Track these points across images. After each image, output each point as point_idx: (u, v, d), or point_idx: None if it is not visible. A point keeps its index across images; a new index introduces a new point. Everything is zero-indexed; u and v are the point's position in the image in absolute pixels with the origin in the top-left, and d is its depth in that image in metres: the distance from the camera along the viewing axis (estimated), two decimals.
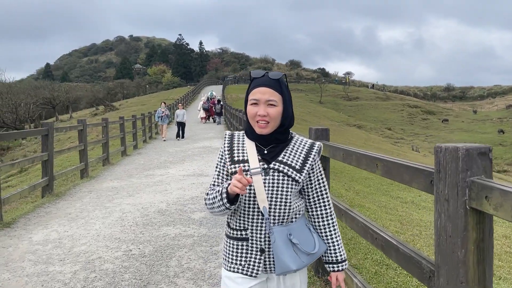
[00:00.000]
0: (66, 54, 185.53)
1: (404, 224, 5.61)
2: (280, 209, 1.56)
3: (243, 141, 1.65)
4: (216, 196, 1.55)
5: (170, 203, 6.26)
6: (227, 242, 1.67)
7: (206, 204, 1.63)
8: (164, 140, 16.44)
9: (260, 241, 1.58)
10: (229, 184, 1.50)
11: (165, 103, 18.18)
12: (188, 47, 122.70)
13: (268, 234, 1.55)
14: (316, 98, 71.51)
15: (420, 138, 53.58)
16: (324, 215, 1.67)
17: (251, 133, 1.62)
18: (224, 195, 1.50)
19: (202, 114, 25.14)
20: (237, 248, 1.62)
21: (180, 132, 16.70)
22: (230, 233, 1.66)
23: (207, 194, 1.63)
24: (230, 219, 1.67)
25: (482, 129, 58.65)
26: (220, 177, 1.66)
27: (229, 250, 1.65)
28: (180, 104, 19.54)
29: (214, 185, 1.66)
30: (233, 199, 1.51)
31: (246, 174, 1.55)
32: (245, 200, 1.57)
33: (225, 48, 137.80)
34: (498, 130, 53.71)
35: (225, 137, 1.72)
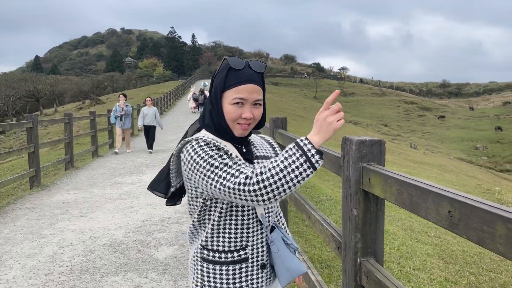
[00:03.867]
0: (56, 47, 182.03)
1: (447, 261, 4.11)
2: (272, 211, 1.44)
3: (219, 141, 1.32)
4: (291, 155, 1.12)
5: (131, 229, 4.70)
6: (212, 272, 1.35)
7: (260, 185, 1.11)
8: (128, 152, 11.55)
9: (262, 256, 1.39)
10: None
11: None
12: (181, 40, 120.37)
13: (269, 244, 1.39)
14: (311, 93, 70.20)
15: (417, 135, 52.48)
16: (276, 207, 1.52)
17: (226, 134, 1.34)
18: (311, 146, 1.12)
19: (192, 104, 25.77)
20: (233, 275, 1.34)
21: (149, 140, 11.37)
22: (219, 258, 1.34)
23: (249, 175, 1.14)
24: (213, 239, 1.33)
25: (478, 126, 57.67)
26: (234, 158, 1.24)
27: (218, 282, 1.34)
28: (148, 99, 11.87)
29: (237, 164, 1.20)
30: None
31: None
32: (242, 211, 1.31)
33: (218, 41, 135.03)
34: (496, 127, 52.67)
35: None
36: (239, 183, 1.14)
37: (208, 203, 1.31)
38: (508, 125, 53.84)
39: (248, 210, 1.32)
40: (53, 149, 14.10)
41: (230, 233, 1.32)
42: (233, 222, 1.32)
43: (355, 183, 1.64)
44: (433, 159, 27.46)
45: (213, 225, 1.33)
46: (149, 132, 11.30)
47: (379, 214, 1.66)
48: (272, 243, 1.38)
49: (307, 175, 1.12)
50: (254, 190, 1.12)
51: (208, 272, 1.35)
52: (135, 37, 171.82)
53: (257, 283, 1.38)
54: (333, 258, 3.87)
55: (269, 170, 1.12)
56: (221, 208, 1.30)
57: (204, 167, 1.21)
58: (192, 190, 1.33)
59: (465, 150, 43.19)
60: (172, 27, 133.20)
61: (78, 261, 3.76)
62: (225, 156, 1.23)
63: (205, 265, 1.35)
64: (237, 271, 1.34)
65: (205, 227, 1.35)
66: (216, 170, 1.19)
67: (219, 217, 1.31)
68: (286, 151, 1.14)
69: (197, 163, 1.23)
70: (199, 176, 1.23)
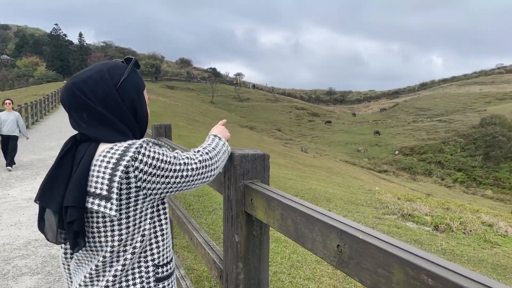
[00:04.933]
0: None
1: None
2: None
3: None
4: (217, 143, 1.37)
5: None
6: None
7: (205, 163, 1.25)
8: None
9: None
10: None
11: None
12: (66, 38, 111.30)
13: None
14: (208, 98, 70.17)
15: (307, 139, 55.63)
16: None
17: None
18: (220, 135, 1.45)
19: None
20: (175, 282, 1.33)
21: (9, 155, 9.07)
22: (170, 268, 1.28)
23: (197, 156, 1.25)
24: (164, 251, 1.25)
25: (360, 130, 63.19)
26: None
27: None
28: (8, 102, 9.48)
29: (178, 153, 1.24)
30: None
31: None
32: (166, 223, 1.25)
33: (109, 42, 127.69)
34: (374, 132, 58.19)
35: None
36: (200, 161, 1.23)
37: (160, 207, 1.22)
38: (385, 129, 59.93)
39: (168, 223, 1.29)
40: None
41: (167, 245, 1.27)
42: (164, 227, 1.25)
43: (236, 204, 1.40)
44: (322, 162, 29.23)
45: (163, 235, 1.23)
46: (9, 144, 9.08)
47: (264, 238, 1.45)
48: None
49: (228, 153, 1.39)
50: (210, 165, 1.26)
51: None
52: (12, 33, 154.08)
53: None
54: None
55: (204, 147, 1.31)
56: (165, 213, 1.24)
57: (169, 163, 1.16)
58: (141, 207, 1.15)
59: (349, 152, 46.96)
60: (56, 24, 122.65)
61: None
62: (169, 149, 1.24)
63: (160, 285, 1.25)
64: (170, 285, 1.31)
65: (157, 241, 1.21)
66: (177, 161, 1.18)
67: (166, 223, 1.24)
68: (206, 140, 1.39)
69: (164, 163, 1.15)
70: (168, 177, 1.15)
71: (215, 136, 1.40)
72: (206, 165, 1.24)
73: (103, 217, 1.11)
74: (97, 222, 1.12)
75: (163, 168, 1.13)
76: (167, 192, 1.17)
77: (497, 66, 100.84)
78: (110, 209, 1.06)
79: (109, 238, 1.12)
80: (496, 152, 37.48)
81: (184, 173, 1.18)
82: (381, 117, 74.41)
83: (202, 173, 1.23)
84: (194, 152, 1.28)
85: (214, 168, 1.28)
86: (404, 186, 25.25)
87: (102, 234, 1.12)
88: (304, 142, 51.16)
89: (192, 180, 1.20)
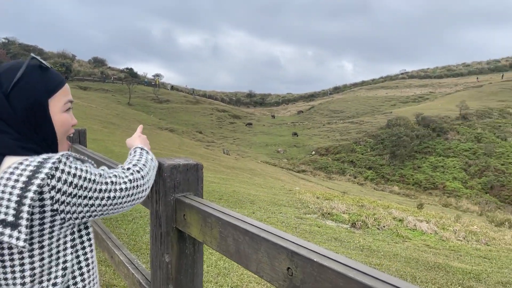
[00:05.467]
0: None
1: None
2: None
3: None
4: (146, 158, 1.21)
5: None
6: None
7: (136, 182, 1.10)
8: None
9: None
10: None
11: None
12: None
13: None
14: (125, 99, 67.25)
15: (229, 141, 55.87)
16: None
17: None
18: (147, 149, 1.29)
19: None
20: None
21: None
22: None
23: (127, 174, 1.10)
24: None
25: (279, 132, 65.01)
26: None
27: None
28: None
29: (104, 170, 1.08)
30: None
31: None
32: (92, 250, 1.07)
33: (12, 38, 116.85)
34: (292, 133, 60.24)
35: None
36: (131, 180, 1.08)
37: (84, 232, 1.05)
38: (302, 131, 62.29)
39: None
40: None
41: (95, 269, 1.10)
42: (89, 256, 1.08)
43: (166, 220, 1.26)
44: (244, 163, 29.48)
45: (88, 265, 1.05)
46: None
47: (197, 256, 1.32)
48: None
49: (156, 167, 1.24)
50: (142, 184, 1.11)
51: None
52: None
53: None
54: None
55: (134, 164, 1.15)
56: (90, 239, 1.07)
57: (93, 181, 0.99)
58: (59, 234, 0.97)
59: (270, 154, 48.04)
60: None
61: None
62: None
63: None
64: None
65: (81, 273, 1.04)
66: (102, 179, 1.02)
67: (91, 250, 1.07)
68: (131, 154, 1.24)
69: (87, 181, 0.98)
70: (92, 198, 0.98)
71: (141, 149, 1.26)
72: (137, 185, 1.09)
73: (10, 248, 0.90)
74: (1, 255, 0.91)
75: (85, 188, 0.96)
76: (89, 216, 1.00)
77: (400, 71, 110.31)
78: (18, 238, 0.85)
79: (18, 274, 0.91)
80: (401, 151, 40.86)
81: (111, 194, 1.02)
82: (298, 119, 77.25)
83: (132, 194, 1.08)
84: (123, 169, 1.12)
85: (146, 189, 1.14)
86: (321, 185, 26.42)
87: (9, 269, 0.91)
88: (226, 144, 51.28)
89: (120, 202, 1.05)
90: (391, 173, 39.47)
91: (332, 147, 46.62)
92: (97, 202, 0.99)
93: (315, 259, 0.73)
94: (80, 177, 0.96)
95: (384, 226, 8.52)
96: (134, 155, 1.22)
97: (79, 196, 0.95)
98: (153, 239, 1.35)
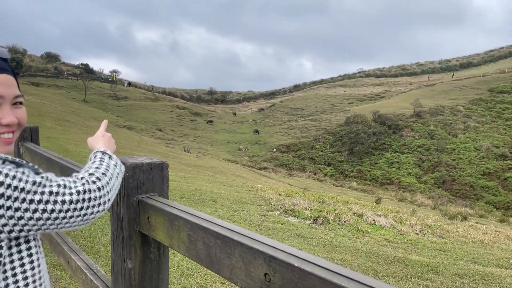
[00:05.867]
0: None
1: None
2: None
3: None
4: (108, 164, 1.04)
5: None
6: None
7: (89, 195, 0.93)
8: None
9: None
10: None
11: None
12: None
13: None
14: (80, 96, 64.90)
15: (190, 138, 55.22)
16: None
17: None
18: (110, 152, 1.12)
19: None
20: None
21: None
22: None
23: (77, 185, 0.93)
24: None
25: (241, 129, 65.03)
26: None
27: None
28: None
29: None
30: None
31: None
32: (40, 271, 0.94)
33: None
34: (254, 130, 60.44)
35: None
36: (80, 192, 0.91)
37: (23, 247, 0.90)
38: (263, 128, 62.62)
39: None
40: None
41: None
42: (37, 277, 0.93)
43: (129, 223, 1.17)
44: (205, 161, 29.22)
45: (35, 281, 0.91)
46: None
47: (162, 261, 1.24)
48: None
49: (122, 174, 1.08)
50: (98, 197, 0.94)
51: None
52: None
53: None
54: None
55: (91, 174, 0.98)
56: (31, 254, 0.92)
57: (27, 192, 0.84)
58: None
59: (231, 151, 47.94)
60: None
61: None
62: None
63: None
64: None
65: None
66: (40, 189, 0.86)
67: (40, 271, 0.94)
68: (91, 159, 1.08)
69: (20, 191, 0.84)
70: (26, 211, 0.84)
71: (103, 154, 1.08)
72: (90, 198, 0.92)
73: None
74: None
75: (9, 197, 0.82)
76: (20, 230, 0.86)
77: (358, 70, 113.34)
78: None
79: None
80: (359, 147, 42.00)
81: (50, 206, 0.86)
82: (259, 116, 77.60)
83: (83, 208, 0.91)
84: (76, 178, 0.95)
85: (105, 201, 0.96)
86: (282, 182, 26.66)
87: None
88: (187, 142, 50.65)
89: (65, 217, 0.89)
90: (350, 169, 40.50)
91: (293, 144, 47.19)
92: (28, 214, 0.84)
93: (295, 264, 0.67)
94: (9, 186, 0.82)
95: (344, 222, 8.69)
96: (94, 161, 1.06)
97: (9, 208, 0.82)
98: (114, 243, 1.25)
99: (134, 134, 39.48)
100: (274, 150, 46.84)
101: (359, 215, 9.69)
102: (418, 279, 4.60)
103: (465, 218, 14.23)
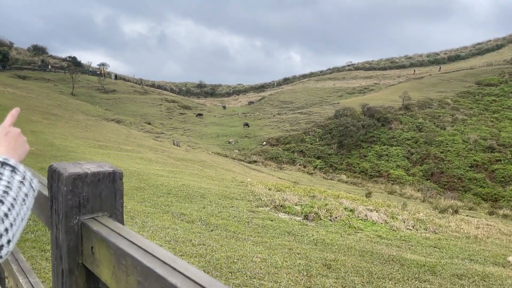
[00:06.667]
0: None
1: None
2: None
3: None
4: (9, 183, 0.74)
5: None
6: None
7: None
8: None
9: None
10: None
11: None
12: None
13: None
14: (68, 89, 63.84)
15: (179, 132, 54.71)
16: None
17: None
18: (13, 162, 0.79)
19: None
20: None
21: None
22: None
23: None
24: None
25: (231, 123, 64.61)
26: None
27: None
28: None
29: None
30: None
31: None
32: None
33: None
34: (244, 124, 60.09)
35: None
36: None
37: None
38: (253, 121, 62.32)
39: None
40: None
41: None
42: None
43: (69, 253, 0.88)
44: (194, 155, 28.85)
45: None
46: None
47: None
48: None
49: (33, 193, 0.81)
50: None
51: None
52: None
53: None
54: None
55: None
56: None
57: None
58: None
59: (221, 145, 47.62)
60: None
61: None
62: None
63: None
64: None
65: None
66: None
67: None
68: None
69: None
70: None
71: (2, 165, 0.77)
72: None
73: None
74: None
75: None
76: None
77: (347, 63, 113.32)
78: None
79: None
80: (348, 140, 41.97)
81: None
82: (249, 109, 77.19)
83: None
84: None
85: (2, 245, 0.68)
86: (272, 175, 26.45)
87: None
88: (176, 135, 50.14)
89: None
90: (339, 162, 40.48)
91: (283, 137, 47.00)
92: None
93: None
94: None
95: (336, 217, 8.47)
96: None
97: None
98: (54, 276, 0.96)
99: (123, 128, 38.87)
100: (264, 143, 46.60)
101: (351, 210, 9.49)
102: (416, 281, 4.38)
103: (456, 212, 14.17)
